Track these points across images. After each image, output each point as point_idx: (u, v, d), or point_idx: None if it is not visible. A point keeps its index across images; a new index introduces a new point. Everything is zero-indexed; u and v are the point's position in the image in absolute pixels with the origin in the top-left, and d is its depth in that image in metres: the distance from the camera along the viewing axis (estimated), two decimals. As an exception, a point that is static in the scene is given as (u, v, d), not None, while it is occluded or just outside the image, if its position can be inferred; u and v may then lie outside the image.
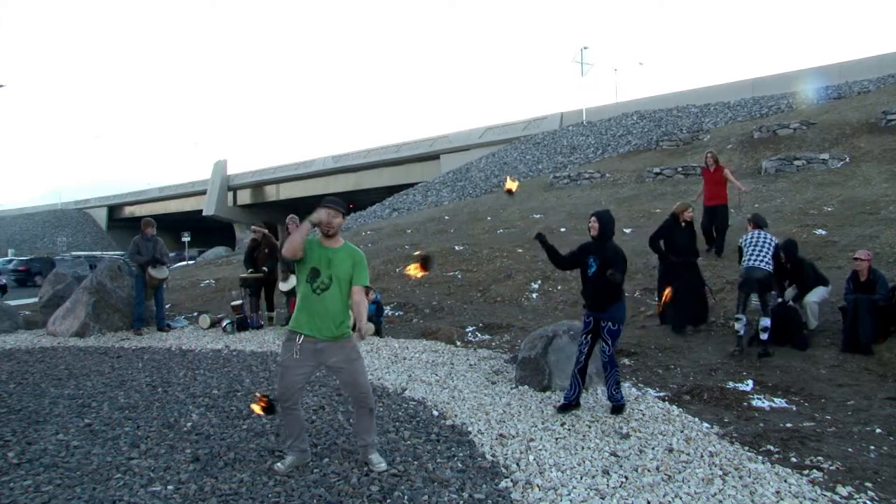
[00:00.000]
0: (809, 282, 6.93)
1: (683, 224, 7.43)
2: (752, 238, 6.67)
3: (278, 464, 3.75)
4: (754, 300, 6.75)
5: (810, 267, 7.10)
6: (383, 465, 3.73)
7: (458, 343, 7.66)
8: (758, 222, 6.96)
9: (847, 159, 15.94)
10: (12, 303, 13.09)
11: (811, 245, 9.26)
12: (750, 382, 5.45)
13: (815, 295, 6.85)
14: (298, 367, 3.71)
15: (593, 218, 4.87)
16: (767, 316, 6.33)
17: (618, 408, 4.77)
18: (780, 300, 6.88)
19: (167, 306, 10.06)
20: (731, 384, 5.42)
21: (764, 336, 6.29)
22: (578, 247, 5.01)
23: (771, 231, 10.71)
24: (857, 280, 6.51)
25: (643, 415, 4.70)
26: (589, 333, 4.87)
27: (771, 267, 6.42)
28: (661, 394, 5.30)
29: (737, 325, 6.44)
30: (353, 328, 3.82)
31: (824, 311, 6.95)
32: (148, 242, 9.06)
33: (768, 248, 6.49)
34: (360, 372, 3.80)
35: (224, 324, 8.98)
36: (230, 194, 57.69)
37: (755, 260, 6.44)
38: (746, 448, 4.01)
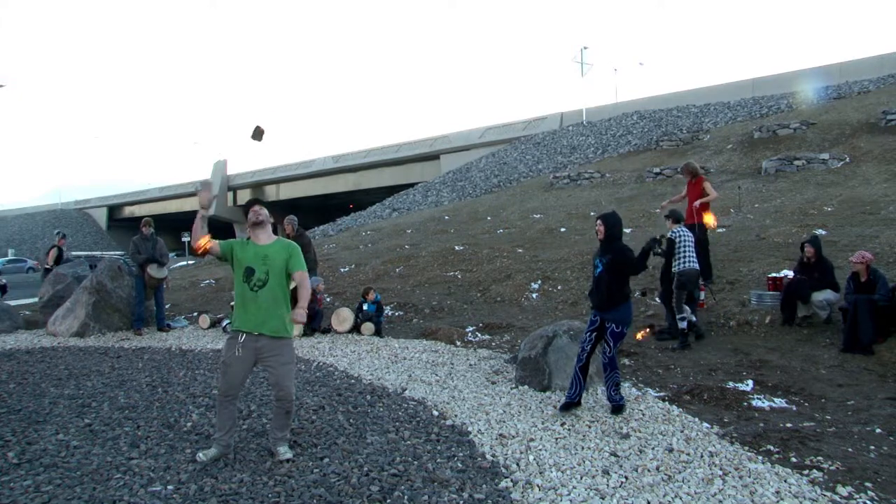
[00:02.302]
0: (827, 279, 6.92)
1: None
2: (678, 236, 6.93)
3: (200, 453, 3.90)
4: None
5: (831, 267, 7.09)
6: (289, 455, 3.88)
7: (458, 343, 7.66)
8: (677, 218, 7.19)
9: (847, 159, 15.95)
10: (12, 303, 13.09)
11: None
12: (750, 382, 5.45)
13: (822, 294, 6.88)
14: (240, 364, 3.89)
15: (599, 221, 4.87)
16: (694, 311, 6.91)
17: (617, 408, 4.76)
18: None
19: (167, 306, 10.06)
20: (731, 384, 5.42)
21: (683, 325, 6.79)
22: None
23: (771, 231, 10.75)
24: (858, 280, 6.51)
25: (643, 415, 4.70)
26: (594, 331, 4.85)
27: (698, 265, 6.99)
28: (661, 394, 5.30)
29: (681, 325, 6.79)
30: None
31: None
32: (147, 242, 9.06)
33: (693, 246, 6.93)
34: (289, 376, 3.94)
35: (224, 324, 8.99)
36: (230, 194, 57.71)
37: (689, 261, 6.84)
38: (746, 448, 4.00)
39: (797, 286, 6.98)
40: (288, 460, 3.84)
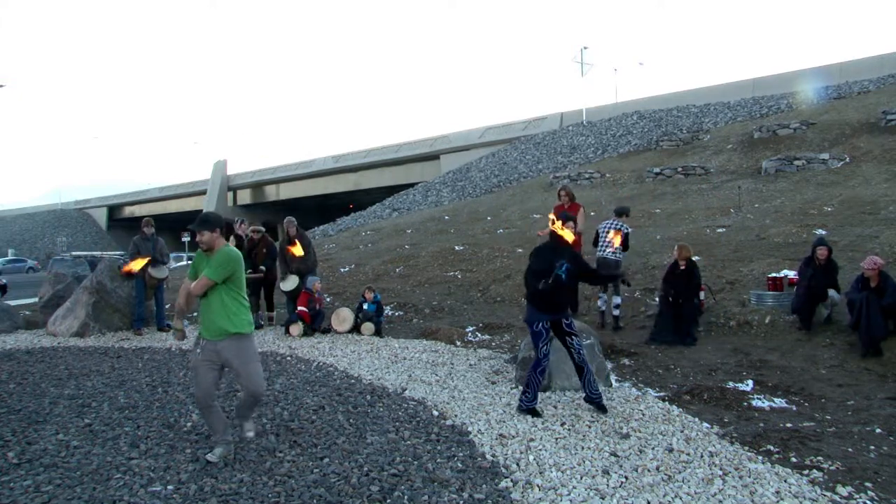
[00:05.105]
0: (831, 280, 6.90)
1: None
2: (606, 226, 7.67)
3: (209, 454, 3.92)
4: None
5: (837, 268, 7.06)
6: (251, 434, 4.10)
7: (458, 343, 7.66)
8: (618, 213, 7.93)
9: (847, 159, 15.96)
10: (12, 303, 13.09)
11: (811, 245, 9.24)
12: (750, 382, 5.46)
13: (829, 293, 6.87)
14: (204, 365, 3.93)
15: (572, 223, 4.88)
16: (619, 295, 7.69)
17: (602, 406, 4.74)
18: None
19: (167, 306, 10.05)
20: (731, 384, 5.42)
21: (616, 312, 7.62)
22: (539, 256, 4.86)
23: (771, 231, 10.75)
24: (867, 285, 6.37)
25: (643, 415, 4.70)
26: (551, 339, 4.79)
27: (620, 255, 7.61)
28: (661, 394, 5.30)
29: (599, 303, 7.83)
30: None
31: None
32: (147, 242, 9.05)
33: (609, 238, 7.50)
34: (255, 373, 4.00)
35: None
36: (230, 194, 57.71)
37: (602, 250, 7.59)
38: (746, 448, 4.00)
39: (815, 289, 6.90)
40: (251, 438, 4.06)
